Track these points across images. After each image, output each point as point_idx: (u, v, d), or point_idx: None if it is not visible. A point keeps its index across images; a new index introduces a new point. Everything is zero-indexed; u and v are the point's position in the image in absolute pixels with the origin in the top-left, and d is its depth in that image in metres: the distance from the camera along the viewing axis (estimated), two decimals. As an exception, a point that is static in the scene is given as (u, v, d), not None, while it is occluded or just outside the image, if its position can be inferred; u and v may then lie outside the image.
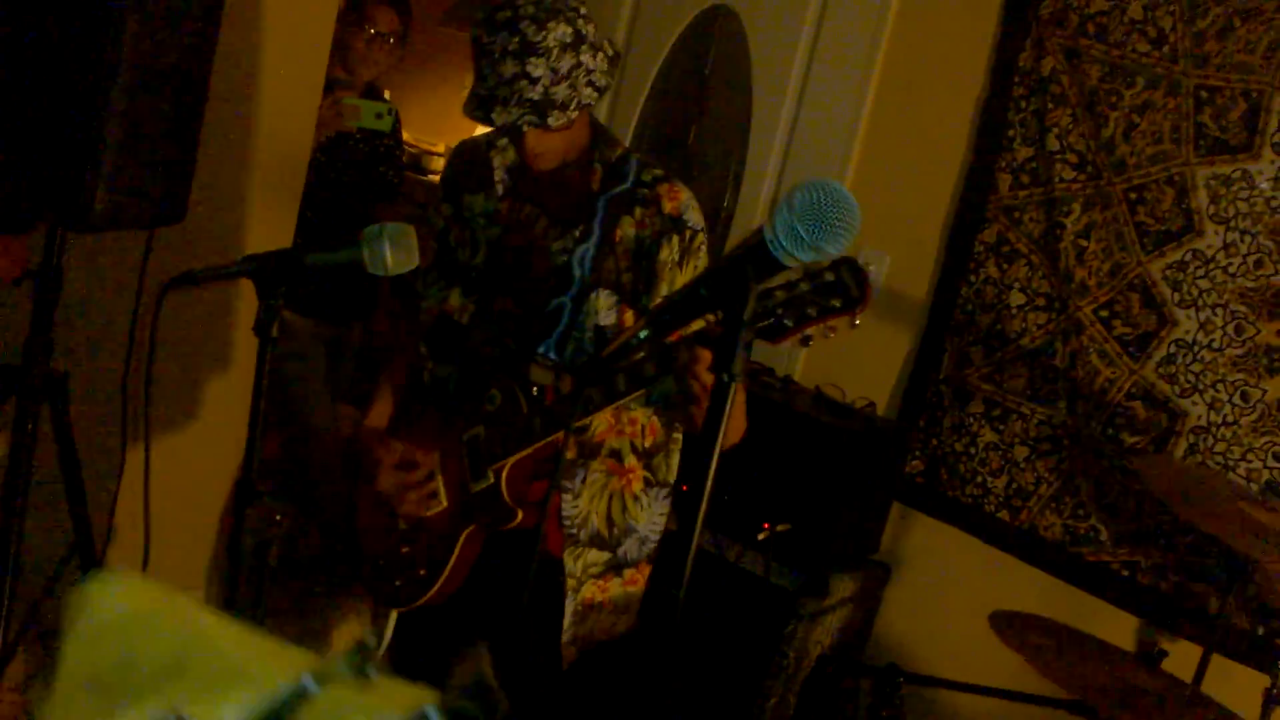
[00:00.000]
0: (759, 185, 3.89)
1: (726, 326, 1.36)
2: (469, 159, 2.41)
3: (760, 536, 3.26)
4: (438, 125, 6.47)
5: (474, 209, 2.35)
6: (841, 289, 1.43)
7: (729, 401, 1.35)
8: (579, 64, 2.05)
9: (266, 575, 1.91)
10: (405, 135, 4.37)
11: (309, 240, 3.68)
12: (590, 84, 2.09)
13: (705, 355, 1.84)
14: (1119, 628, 3.14)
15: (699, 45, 4.01)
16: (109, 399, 2.51)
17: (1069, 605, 3.20)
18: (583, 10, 2.08)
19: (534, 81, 2.02)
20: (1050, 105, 3.35)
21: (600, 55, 2.10)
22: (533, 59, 2.01)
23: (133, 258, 2.67)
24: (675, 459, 2.39)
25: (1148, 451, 3.18)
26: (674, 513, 2.39)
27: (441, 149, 5.97)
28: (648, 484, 2.36)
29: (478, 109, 2.11)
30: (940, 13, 3.58)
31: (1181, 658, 2.81)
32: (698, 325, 1.77)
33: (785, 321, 1.44)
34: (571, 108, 2.08)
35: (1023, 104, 3.42)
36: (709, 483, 1.37)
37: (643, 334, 1.57)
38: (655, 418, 2.32)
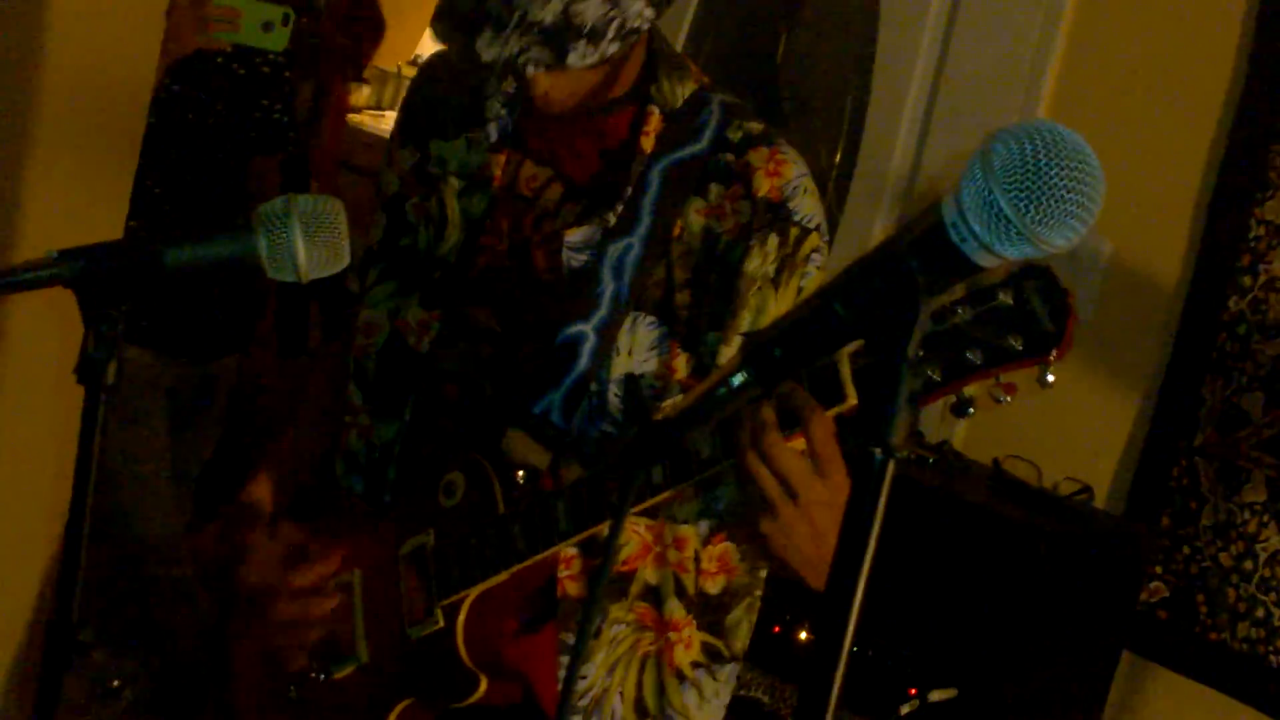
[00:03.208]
0: (890, 137, 3.92)
1: (879, 368, 1.26)
2: (445, 83, 2.37)
3: (904, 710, 3.21)
4: (393, 42, 6.51)
5: (448, 162, 2.31)
6: (1025, 321, 1.43)
7: (883, 491, 1.23)
8: None
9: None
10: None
11: (158, 224, 3.67)
12: (639, 12, 2.04)
13: (772, 435, 1.78)
14: None
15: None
16: None
17: None
18: None
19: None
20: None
21: None
22: None
23: None
24: (754, 616, 2.33)
25: None
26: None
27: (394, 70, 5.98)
28: (710, 656, 2.28)
29: (456, 28, 2.06)
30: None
31: None
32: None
33: (932, 375, 1.45)
34: (608, 37, 2.02)
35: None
36: (849, 633, 1.24)
37: (737, 378, 1.46)
38: (727, 542, 2.24)
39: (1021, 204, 1.12)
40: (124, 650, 3.00)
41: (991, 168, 1.14)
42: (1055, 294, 1.40)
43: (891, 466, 1.20)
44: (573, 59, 1.99)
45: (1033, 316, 1.41)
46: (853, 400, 1.68)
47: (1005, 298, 1.40)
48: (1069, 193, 1.13)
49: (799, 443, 1.75)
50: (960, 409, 1.48)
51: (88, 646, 1.75)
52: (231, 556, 2.33)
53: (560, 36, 1.97)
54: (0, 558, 3.60)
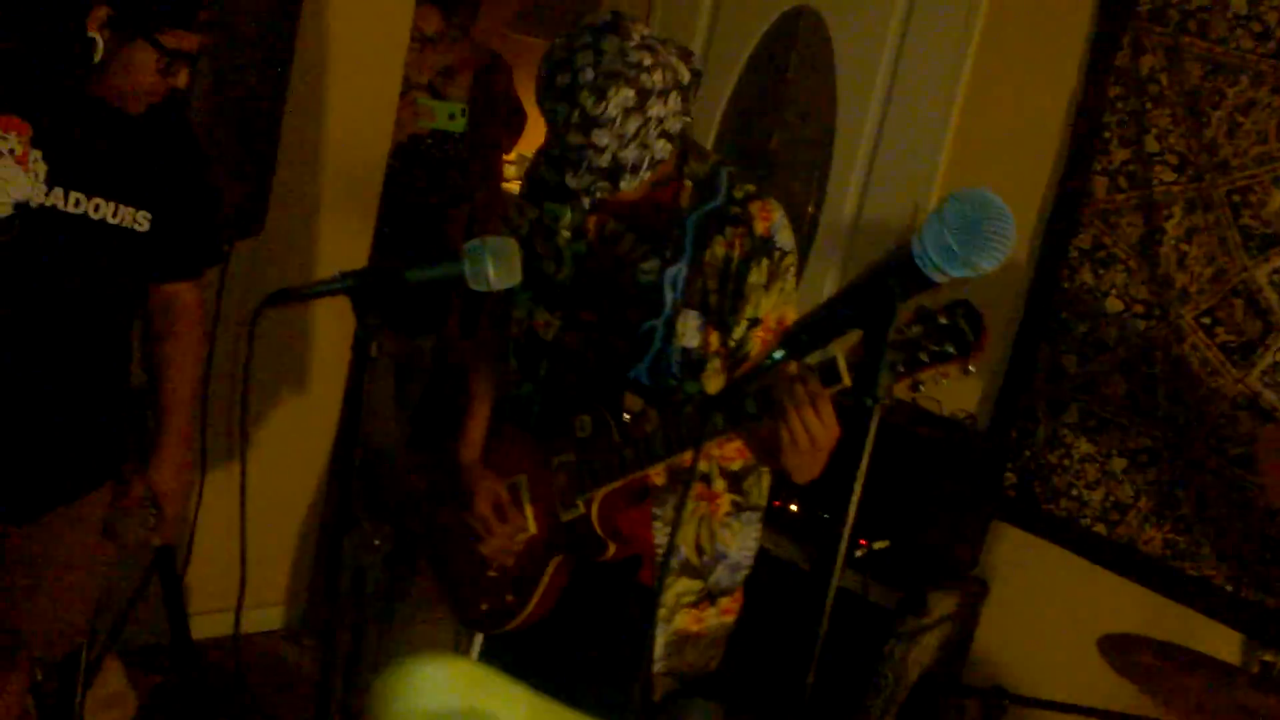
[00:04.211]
0: (844, 192, 3.82)
1: (869, 347, 1.30)
2: (554, 166, 2.32)
3: (858, 554, 3.18)
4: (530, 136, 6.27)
5: (559, 220, 2.25)
6: (956, 334, 1.42)
7: (872, 428, 1.30)
8: (646, 121, 1.94)
9: (365, 602, 1.84)
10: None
11: (385, 252, 3.68)
12: (663, 134, 1.98)
13: (799, 389, 1.76)
14: (1223, 644, 3.08)
15: (781, 47, 3.95)
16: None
17: (1170, 621, 3.15)
18: (645, 61, 1.93)
19: (600, 150, 1.94)
20: (1149, 105, 3.25)
21: (673, 95, 1.98)
22: (596, 130, 1.92)
23: (209, 271, 2.64)
24: (766, 481, 2.30)
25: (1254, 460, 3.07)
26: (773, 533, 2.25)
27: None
28: (737, 508, 2.27)
29: (550, 167, 2.06)
30: (1033, 10, 3.49)
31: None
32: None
33: (897, 368, 1.43)
34: (644, 167, 1.99)
35: (1119, 104, 3.31)
36: (851, 516, 1.35)
37: (777, 354, 1.48)
38: (740, 441, 2.21)
39: (963, 242, 1.20)
40: (378, 519, 3.02)
41: (945, 221, 1.21)
42: (975, 317, 1.43)
43: (876, 410, 1.28)
44: (623, 185, 1.98)
45: (962, 332, 1.42)
46: (847, 382, 1.71)
47: (944, 319, 1.43)
48: (993, 235, 1.20)
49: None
50: (914, 387, 1.51)
51: (358, 519, 1.84)
52: (458, 488, 2.34)
53: (614, 175, 1.97)
54: (302, 461, 3.71)
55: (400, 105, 3.53)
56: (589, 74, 1.90)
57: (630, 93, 1.90)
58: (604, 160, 1.95)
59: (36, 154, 2.19)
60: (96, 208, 2.24)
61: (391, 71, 3.48)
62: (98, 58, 2.14)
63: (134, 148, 2.29)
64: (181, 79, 2.22)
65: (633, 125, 1.92)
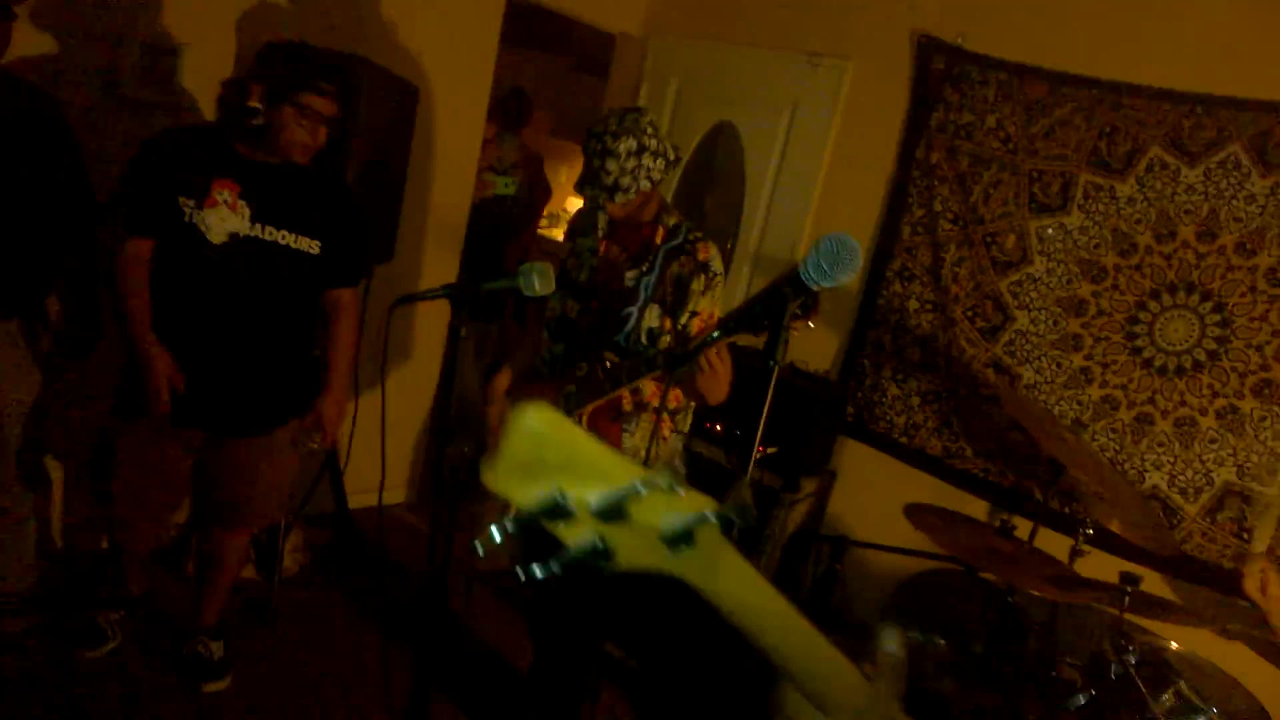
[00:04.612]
0: (749, 234, 3.74)
1: (772, 327, 1.26)
2: (584, 217, 2.28)
3: (757, 456, 3.11)
4: (559, 199, 6.19)
5: (584, 246, 2.23)
6: (804, 306, 1.36)
7: (773, 378, 1.27)
8: (639, 165, 1.96)
9: (459, 490, 1.82)
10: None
11: (467, 271, 3.65)
12: (647, 178, 1.98)
13: (714, 347, 1.73)
14: (978, 509, 3.09)
15: (711, 146, 3.90)
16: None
17: (946, 496, 3.15)
18: (650, 131, 1.97)
19: (609, 174, 1.96)
20: (936, 182, 3.24)
21: (660, 159, 1.99)
22: (609, 159, 1.95)
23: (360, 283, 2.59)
24: (689, 418, 2.27)
25: (998, 400, 3.06)
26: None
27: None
28: (673, 432, 2.23)
29: (575, 186, 2.04)
30: (866, 126, 3.45)
31: (1021, 528, 2.73)
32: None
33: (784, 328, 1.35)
34: (631, 192, 1.98)
35: (919, 181, 3.28)
36: (759, 433, 1.32)
37: (715, 334, 1.48)
38: (677, 389, 2.19)
39: (831, 265, 1.18)
40: (464, 435, 3.03)
41: (820, 251, 1.19)
42: (814, 300, 1.35)
43: (775, 370, 1.26)
44: (617, 199, 1.98)
45: (808, 304, 1.34)
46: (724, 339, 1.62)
47: (798, 301, 1.40)
48: (849, 261, 1.18)
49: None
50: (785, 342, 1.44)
51: (454, 434, 1.82)
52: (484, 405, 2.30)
53: (613, 189, 1.96)
54: (418, 399, 3.65)
55: (475, 179, 3.51)
56: (614, 125, 1.96)
57: (634, 143, 1.95)
58: (609, 180, 1.96)
59: (243, 203, 2.16)
60: (283, 237, 2.21)
61: (471, 157, 3.45)
62: (259, 121, 2.11)
63: (307, 197, 2.25)
64: (321, 136, 2.17)
65: (630, 163, 1.95)
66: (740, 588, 0.64)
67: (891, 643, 0.67)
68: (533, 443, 0.56)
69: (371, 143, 2.70)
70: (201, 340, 2.21)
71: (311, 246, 2.25)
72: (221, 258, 2.15)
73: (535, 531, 0.60)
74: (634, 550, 0.60)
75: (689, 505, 0.60)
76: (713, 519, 0.60)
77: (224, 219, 2.14)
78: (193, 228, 2.12)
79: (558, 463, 0.56)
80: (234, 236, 2.16)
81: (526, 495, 0.57)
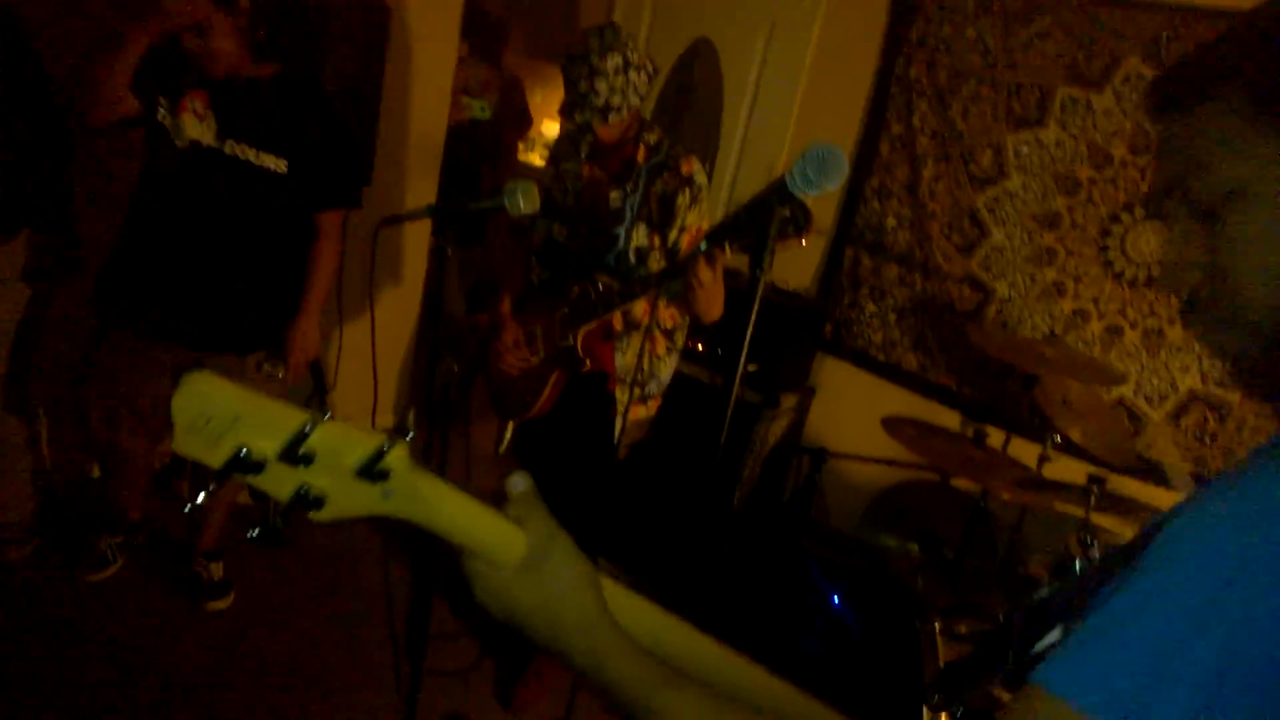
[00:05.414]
0: (729, 152, 3.66)
1: (758, 237, 1.23)
2: (566, 142, 2.24)
3: (742, 372, 3.13)
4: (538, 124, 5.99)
5: (568, 170, 2.19)
6: (798, 222, 1.37)
7: (759, 288, 1.24)
8: (627, 82, 1.91)
9: (445, 406, 1.83)
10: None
11: (444, 193, 3.56)
12: (635, 94, 1.94)
13: (702, 262, 1.72)
14: (953, 421, 3.14)
15: (689, 62, 3.81)
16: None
17: (921, 408, 3.19)
18: (631, 45, 1.93)
19: (598, 95, 1.90)
20: (914, 97, 3.19)
21: (643, 74, 1.95)
22: (598, 79, 1.89)
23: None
24: (683, 334, 2.27)
25: (973, 315, 3.10)
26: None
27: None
28: (667, 350, 2.24)
29: (562, 112, 1.98)
30: (845, 38, 3.39)
31: (993, 437, 2.83)
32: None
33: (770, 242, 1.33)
34: (623, 111, 1.94)
35: (898, 97, 3.23)
36: (745, 347, 1.29)
37: (702, 246, 1.48)
38: (673, 307, 2.19)
39: (817, 173, 1.16)
40: (451, 355, 3.03)
41: (806, 159, 1.16)
42: (807, 212, 1.38)
43: (761, 280, 1.24)
44: (610, 119, 1.93)
45: (801, 222, 1.38)
46: (728, 254, 1.61)
47: (789, 214, 1.38)
48: (835, 170, 1.16)
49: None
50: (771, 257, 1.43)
51: (443, 353, 1.82)
52: (493, 331, 2.25)
53: (605, 109, 1.92)
54: (404, 320, 3.59)
55: (451, 102, 3.44)
56: (595, 43, 1.89)
57: (620, 60, 1.89)
58: (599, 101, 1.91)
59: (211, 114, 2.12)
60: (247, 153, 2.14)
61: (445, 77, 3.37)
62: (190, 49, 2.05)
63: (279, 114, 2.15)
64: (229, 39, 2.04)
65: (619, 81, 1.90)
66: (448, 505, 0.64)
67: (519, 480, 0.69)
68: (198, 404, 0.57)
69: (345, 61, 2.64)
70: (176, 253, 2.17)
71: (278, 165, 2.16)
72: (185, 168, 2.10)
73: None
74: (343, 495, 0.60)
75: (370, 438, 0.60)
76: (401, 441, 0.61)
77: (190, 126, 2.10)
78: (160, 126, 2.09)
79: (228, 418, 0.57)
80: (195, 145, 2.10)
81: (214, 455, 0.58)
